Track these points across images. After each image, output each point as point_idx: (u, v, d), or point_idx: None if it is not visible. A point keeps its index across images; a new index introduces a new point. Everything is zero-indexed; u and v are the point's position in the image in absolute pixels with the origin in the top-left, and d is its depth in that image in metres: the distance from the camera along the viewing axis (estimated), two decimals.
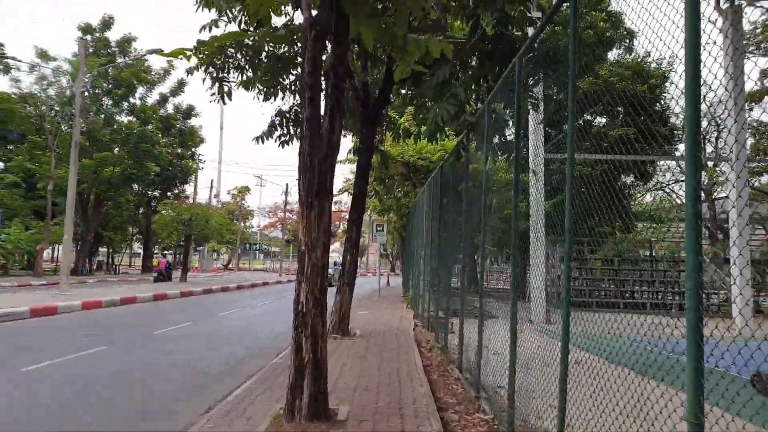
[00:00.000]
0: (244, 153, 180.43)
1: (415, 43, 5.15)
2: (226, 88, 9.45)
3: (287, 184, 49.96)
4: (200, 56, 5.21)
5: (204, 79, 9.16)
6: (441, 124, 7.80)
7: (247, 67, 9.30)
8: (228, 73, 9.40)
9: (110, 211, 39.01)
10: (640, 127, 22.88)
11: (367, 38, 5.05)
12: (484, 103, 7.04)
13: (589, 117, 26.47)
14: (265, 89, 10.18)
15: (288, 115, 10.94)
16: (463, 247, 8.62)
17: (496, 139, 8.54)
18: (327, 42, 6.14)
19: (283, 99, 10.91)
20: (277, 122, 10.89)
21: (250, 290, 26.32)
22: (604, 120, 25.98)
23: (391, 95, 11.00)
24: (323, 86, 5.29)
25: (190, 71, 8.79)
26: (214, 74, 9.21)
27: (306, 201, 4.88)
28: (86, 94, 32.96)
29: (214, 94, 9.40)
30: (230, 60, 9.25)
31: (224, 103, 9.53)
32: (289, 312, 5.07)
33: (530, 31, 8.28)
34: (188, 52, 4.94)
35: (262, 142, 10.86)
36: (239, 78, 9.86)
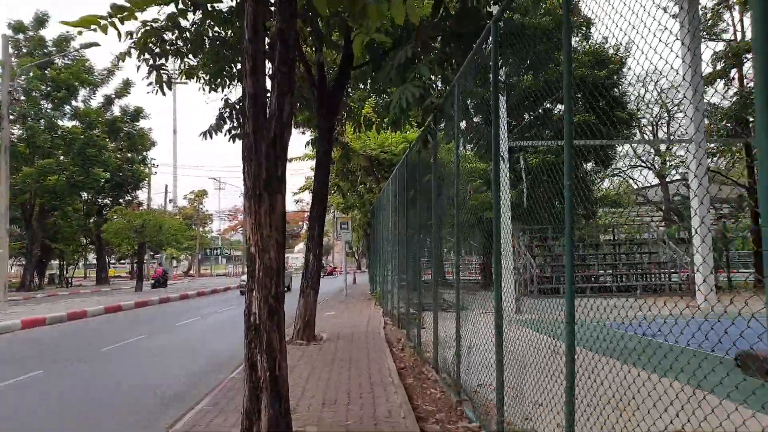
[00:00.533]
0: (200, 155, 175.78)
1: (376, 7, 4.47)
2: (165, 77, 8.56)
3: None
4: (118, 28, 4.37)
5: (138, 67, 8.25)
6: (405, 108, 7.15)
7: (188, 52, 8.43)
8: (166, 59, 8.51)
9: (58, 221, 36.87)
10: (599, 113, 22.95)
11: (319, 2, 4.34)
12: (453, 81, 6.45)
13: (549, 105, 26.42)
14: (210, 78, 9.32)
15: (238, 106, 10.10)
16: (432, 239, 8.05)
17: (463, 124, 7.89)
18: (271, 7, 5.40)
19: (231, 88, 10.09)
20: (225, 114, 10.04)
21: (211, 296, 25.17)
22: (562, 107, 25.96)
23: (349, 81, 10.29)
24: (269, 59, 4.57)
25: (121, 57, 7.88)
26: (150, 61, 8.30)
27: (253, 193, 4.15)
28: (22, 98, 30.98)
29: (151, 83, 8.50)
30: (168, 46, 8.36)
31: (164, 94, 8.64)
32: (237, 324, 4.35)
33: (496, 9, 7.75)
34: (102, 21, 4.10)
35: (210, 137, 9.99)
36: (180, 65, 8.99)
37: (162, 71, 8.53)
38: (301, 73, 10.38)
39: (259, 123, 4.19)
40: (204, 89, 9.92)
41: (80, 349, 10.16)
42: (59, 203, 32.12)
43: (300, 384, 6.30)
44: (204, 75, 9.53)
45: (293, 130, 10.24)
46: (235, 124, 10.09)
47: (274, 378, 4.12)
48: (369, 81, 10.19)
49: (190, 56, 8.65)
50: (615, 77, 23.30)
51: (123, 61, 7.90)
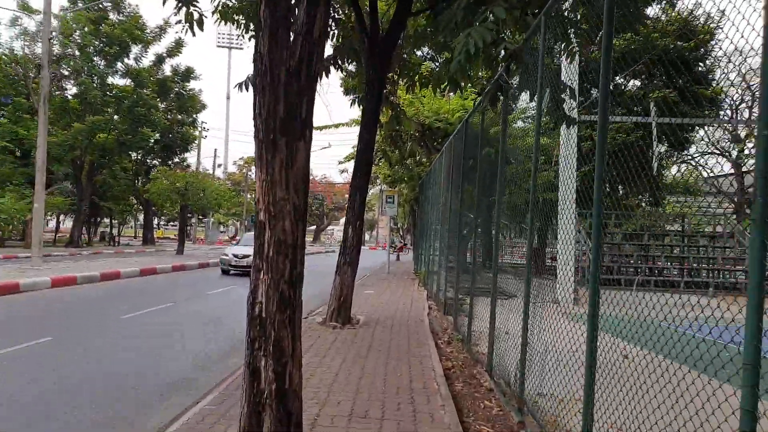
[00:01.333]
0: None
1: None
2: (196, 15, 7.47)
3: None
4: None
5: (165, 0, 7.18)
6: (473, 54, 5.75)
7: None
8: None
9: (108, 179, 37.38)
10: (682, 90, 20.60)
11: None
12: (539, 16, 5.04)
13: (621, 80, 24.11)
14: (246, 20, 8.19)
15: None
16: (495, 214, 6.76)
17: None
18: None
19: None
20: None
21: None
22: (638, 82, 23.62)
23: (404, 34, 8.93)
24: None
25: None
26: None
27: (266, 138, 2.98)
28: (77, 53, 31.03)
29: (180, 21, 7.42)
30: None
31: (193, 34, 7.56)
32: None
33: None
34: None
35: (247, 90, 8.88)
36: (215, 3, 7.89)
37: (193, 7, 7.43)
38: (350, 22, 9.11)
39: (278, 39, 2.97)
40: (243, 34, 8.84)
41: (102, 315, 9.48)
42: (108, 161, 32.34)
43: (327, 381, 5.21)
44: (240, 18, 8.42)
45: (340, 95, 9.01)
46: None
47: (282, 392, 3.00)
48: (428, 31, 8.80)
49: None
50: (702, 50, 20.79)
51: None
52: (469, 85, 16.48)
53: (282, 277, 2.97)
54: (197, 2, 7.51)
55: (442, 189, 12.01)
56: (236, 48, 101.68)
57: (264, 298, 2.98)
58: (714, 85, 21.74)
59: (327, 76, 9.19)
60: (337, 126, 18.37)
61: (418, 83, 9.58)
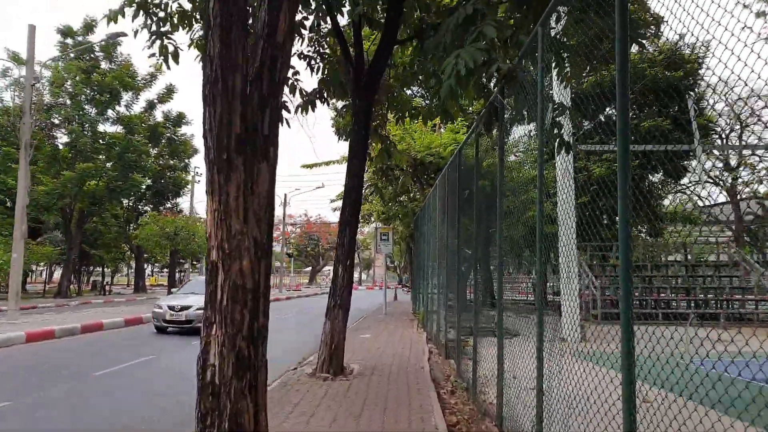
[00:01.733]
0: None
1: None
2: (171, 48, 7.07)
3: (285, 195, 47.67)
4: None
5: (136, 33, 6.79)
6: (464, 76, 5.30)
7: (195, 14, 6.91)
8: (172, 25, 7.01)
9: (99, 227, 36.77)
10: (675, 118, 20.41)
11: None
12: (535, 28, 4.62)
13: (611, 111, 23.99)
14: None
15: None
16: (495, 249, 6.20)
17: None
18: None
19: None
20: None
21: None
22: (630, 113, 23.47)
23: (391, 62, 8.57)
24: None
25: (112, 17, 6.40)
26: (152, 27, 6.82)
27: (217, 158, 2.43)
28: (68, 101, 30.95)
29: (154, 54, 7.01)
30: (173, 7, 6.86)
31: (168, 67, 7.13)
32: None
33: None
34: None
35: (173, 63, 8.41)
36: (190, 35, 7.50)
37: (168, 40, 7.04)
38: (336, 55, 8.76)
39: (232, 39, 2.46)
40: None
41: (71, 373, 8.70)
42: (98, 208, 31.81)
43: None
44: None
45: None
46: None
47: None
48: (416, 67, 8.45)
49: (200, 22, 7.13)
50: (691, 79, 20.72)
51: (115, 22, 6.42)
52: (461, 118, 16.23)
53: (239, 332, 2.37)
54: (172, 35, 7.13)
55: (437, 224, 11.47)
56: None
57: (217, 359, 2.37)
58: (705, 112, 21.59)
59: (313, 110, 8.77)
60: (327, 164, 17.98)
61: (408, 116, 9.17)
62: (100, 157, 31.06)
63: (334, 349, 7.51)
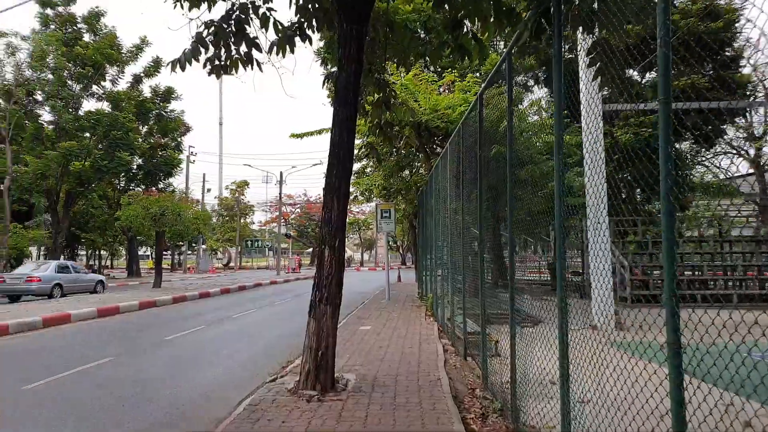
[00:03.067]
0: (246, 145, 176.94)
1: None
2: None
3: (281, 173, 45.79)
4: None
5: None
6: None
7: None
8: None
9: (89, 209, 35.06)
10: (712, 75, 18.26)
11: None
12: None
13: (635, 72, 21.84)
14: None
15: (226, 26, 6.62)
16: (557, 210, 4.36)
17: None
18: None
19: (215, 3, 6.70)
20: (207, 37, 6.56)
21: (238, 294, 22.14)
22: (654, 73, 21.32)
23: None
24: None
25: None
26: None
27: None
28: (50, 76, 28.94)
29: None
30: None
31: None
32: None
33: None
34: None
35: (182, 69, 6.52)
36: None
37: None
38: None
39: None
40: (182, 3, 6.55)
41: (11, 378, 6.98)
42: (84, 190, 30.04)
43: None
44: None
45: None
46: (218, 51, 6.65)
47: None
48: None
49: None
50: (729, 32, 18.50)
51: None
52: (473, 78, 14.27)
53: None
54: None
55: (448, 195, 9.61)
56: (228, 74, 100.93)
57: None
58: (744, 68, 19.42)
59: (291, 50, 6.84)
60: (320, 132, 15.98)
61: (412, 57, 7.23)
62: (85, 135, 29.20)
63: (321, 358, 5.72)
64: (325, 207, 5.88)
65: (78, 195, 30.49)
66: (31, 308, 14.92)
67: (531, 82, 19.75)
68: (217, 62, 6.81)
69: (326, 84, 7.48)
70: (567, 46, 20.55)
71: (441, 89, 14.39)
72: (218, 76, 7.04)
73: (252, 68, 7.08)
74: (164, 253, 65.02)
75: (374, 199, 21.24)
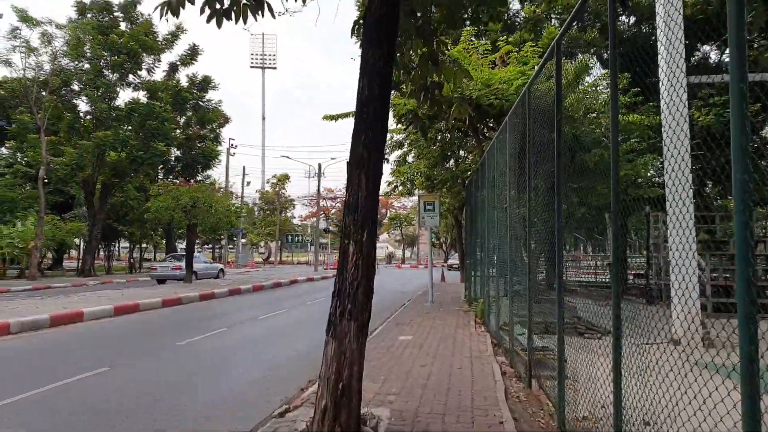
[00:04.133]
0: (286, 137, 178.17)
1: None
2: None
3: (319, 165, 44.60)
4: None
5: None
6: None
7: None
8: None
9: (128, 202, 34.80)
10: None
11: None
12: None
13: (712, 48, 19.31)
14: None
15: None
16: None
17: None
18: None
19: None
20: None
21: (270, 292, 20.93)
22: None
23: None
24: None
25: None
26: None
27: None
28: (86, 66, 28.58)
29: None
30: None
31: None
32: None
33: None
34: None
35: (174, 14, 5.03)
36: None
37: None
38: None
39: None
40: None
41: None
42: (120, 181, 29.61)
43: None
44: None
45: None
46: None
47: None
48: None
49: None
50: None
51: None
52: (532, 47, 12.36)
53: None
54: None
55: (508, 182, 7.85)
56: (269, 68, 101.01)
57: None
58: None
59: None
60: (349, 114, 14.34)
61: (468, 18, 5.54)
62: (122, 126, 28.71)
63: (342, 392, 4.12)
64: (349, 186, 4.26)
65: (114, 186, 30.10)
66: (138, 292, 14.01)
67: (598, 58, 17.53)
68: (217, 5, 5.30)
69: (355, 33, 5.86)
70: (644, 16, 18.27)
71: (495, 63, 12.57)
72: (219, 24, 5.52)
73: (263, 15, 5.55)
74: (206, 246, 65.25)
75: (416, 191, 19.54)
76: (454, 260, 44.96)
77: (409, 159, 18.69)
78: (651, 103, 14.33)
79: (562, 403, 4.67)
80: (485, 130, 14.10)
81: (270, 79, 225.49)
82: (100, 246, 35.45)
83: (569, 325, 7.74)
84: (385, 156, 17.74)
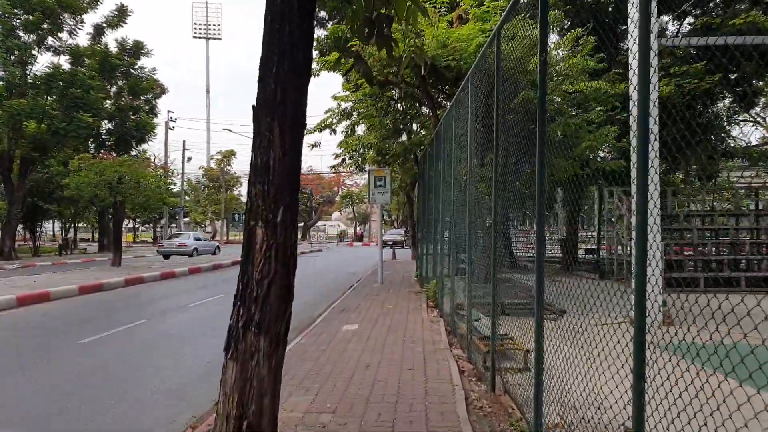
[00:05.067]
0: (231, 111, 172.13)
1: None
2: None
3: None
4: None
5: None
6: None
7: None
8: None
9: (55, 178, 31.85)
10: None
11: None
12: None
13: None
14: None
15: None
16: None
17: None
18: None
19: None
20: None
21: (209, 275, 19.37)
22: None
23: None
24: None
25: None
26: None
27: None
28: None
29: None
30: None
31: None
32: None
33: None
34: None
35: None
36: None
37: None
38: None
39: None
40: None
41: None
42: (40, 156, 26.86)
43: None
44: None
45: None
46: None
47: None
48: None
49: None
50: None
51: None
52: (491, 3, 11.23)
53: None
54: None
55: (469, 150, 6.80)
56: (214, 38, 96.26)
57: None
58: None
59: None
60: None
61: None
62: (41, 94, 25.87)
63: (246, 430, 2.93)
64: (257, 141, 3.02)
65: (35, 162, 27.32)
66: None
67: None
68: None
69: None
70: None
71: (452, 22, 11.39)
72: None
73: None
74: (146, 225, 61.92)
75: (366, 166, 18.30)
76: (392, 236, 44.21)
77: (359, 131, 17.42)
78: (614, 71, 13.62)
79: (539, 413, 3.69)
80: (440, 98, 12.98)
81: (216, 51, 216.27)
82: (22, 226, 32.48)
83: (523, 306, 6.93)
84: (333, 126, 16.35)
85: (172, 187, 25.32)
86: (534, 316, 3.85)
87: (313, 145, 17.75)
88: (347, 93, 15.06)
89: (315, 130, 16.54)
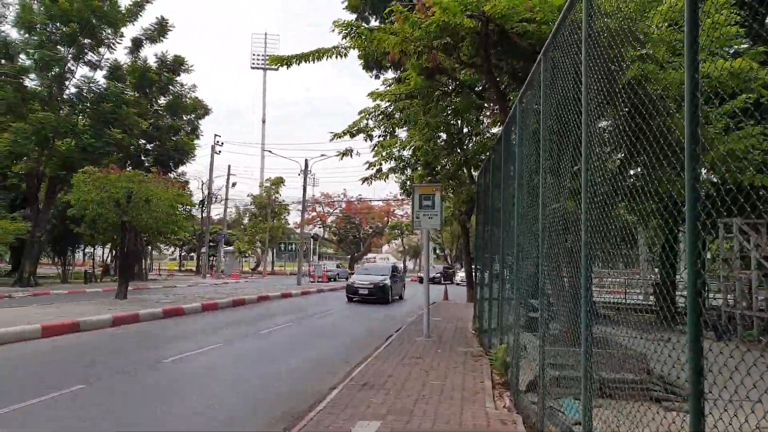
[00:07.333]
0: (279, 137, 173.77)
1: None
2: None
3: (306, 161, 40.33)
4: None
5: None
6: None
7: None
8: None
9: None
10: None
11: None
12: None
13: None
14: None
15: None
16: None
17: None
18: None
19: None
20: None
21: (226, 313, 16.43)
22: None
23: None
24: None
25: None
26: None
27: None
28: (35, 38, 24.40)
29: None
30: None
31: None
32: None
33: None
34: None
35: None
36: None
37: None
38: None
39: None
40: None
41: None
42: (67, 174, 25.24)
43: None
44: None
45: None
46: None
47: None
48: None
49: None
50: None
51: None
52: None
53: None
54: None
55: (564, 153, 3.39)
56: (271, 69, 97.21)
57: None
58: None
59: None
60: (316, 56, 9.71)
61: None
62: (75, 108, 24.41)
63: None
64: None
65: (62, 181, 25.75)
66: None
67: None
68: None
69: None
70: None
71: None
72: None
73: None
74: (191, 254, 60.52)
75: (407, 174, 14.93)
76: (436, 272, 41.34)
77: (399, 132, 14.09)
78: (760, 47, 9.86)
79: None
80: (508, 90, 9.61)
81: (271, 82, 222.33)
82: (48, 250, 31.10)
83: (636, 385, 4.93)
84: (368, 131, 13.18)
85: (190, 207, 22.77)
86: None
87: (343, 154, 14.60)
88: (388, 87, 11.95)
89: (344, 135, 13.42)
